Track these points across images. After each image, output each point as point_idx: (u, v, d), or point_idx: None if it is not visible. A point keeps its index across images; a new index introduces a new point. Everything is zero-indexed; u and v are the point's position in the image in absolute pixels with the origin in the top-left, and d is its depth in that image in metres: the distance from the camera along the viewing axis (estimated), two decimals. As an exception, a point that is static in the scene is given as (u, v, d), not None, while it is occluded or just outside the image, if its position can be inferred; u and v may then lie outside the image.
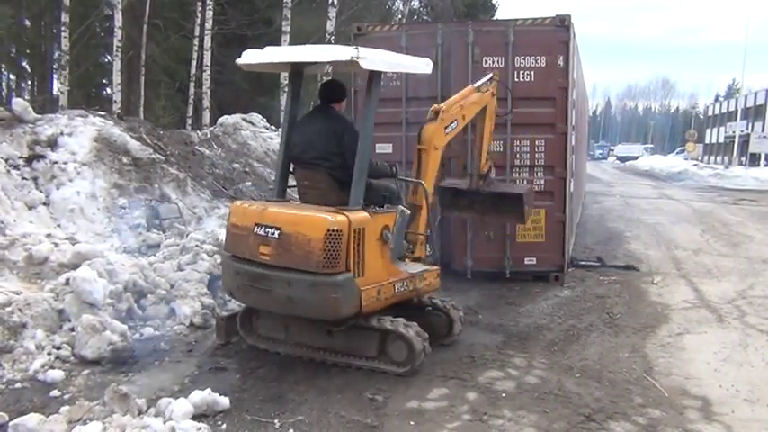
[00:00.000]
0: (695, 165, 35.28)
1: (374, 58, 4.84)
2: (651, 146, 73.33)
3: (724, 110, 60.06)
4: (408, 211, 5.28)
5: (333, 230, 4.57)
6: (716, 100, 77.87)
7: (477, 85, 6.35)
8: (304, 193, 5.34)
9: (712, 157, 56.17)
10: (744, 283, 8.17)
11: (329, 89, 5.47)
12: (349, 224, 4.63)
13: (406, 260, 5.41)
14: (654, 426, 4.16)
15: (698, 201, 19.60)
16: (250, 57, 5.23)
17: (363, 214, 4.83)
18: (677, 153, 54.42)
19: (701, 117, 79.78)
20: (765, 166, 37.94)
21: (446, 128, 5.75)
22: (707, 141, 62.21)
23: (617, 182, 28.65)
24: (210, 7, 18.24)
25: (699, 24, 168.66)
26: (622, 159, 57.94)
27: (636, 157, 53.77)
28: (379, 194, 5.35)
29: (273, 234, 4.73)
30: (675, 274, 8.76)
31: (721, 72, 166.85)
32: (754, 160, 38.92)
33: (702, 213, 15.92)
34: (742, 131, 46.08)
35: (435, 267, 5.55)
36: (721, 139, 56.35)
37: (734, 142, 46.62)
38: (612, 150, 70.39)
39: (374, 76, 5.04)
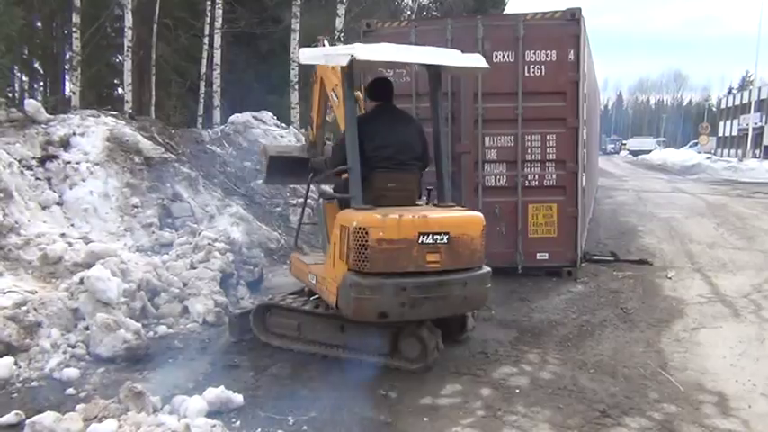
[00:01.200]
0: (709, 158, 34.91)
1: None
2: (664, 139, 72.73)
3: (737, 102, 59.51)
4: None
5: (484, 226, 4.90)
6: (729, 92, 77.13)
7: None
8: (384, 196, 4.97)
9: (726, 150, 55.69)
10: (759, 276, 8.09)
11: (389, 87, 5.47)
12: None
13: None
14: (670, 421, 4.13)
15: (712, 194, 19.43)
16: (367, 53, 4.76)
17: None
18: (690, 146, 53.93)
19: (714, 110, 79.04)
20: (780, 158, 37.64)
21: None
22: (720, 134, 61.68)
23: (629, 176, 28.47)
24: (220, 6, 18.25)
25: (711, 16, 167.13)
26: (635, 153, 57.52)
27: (648, 151, 53.33)
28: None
29: (443, 240, 4.65)
30: (690, 268, 8.69)
31: (734, 64, 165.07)
32: (767, 153, 38.54)
33: (716, 207, 15.78)
34: (756, 124, 45.65)
35: None
36: (735, 132, 55.87)
37: (747, 135, 46.19)
38: (624, 144, 69.93)
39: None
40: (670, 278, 8.07)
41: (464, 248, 4.74)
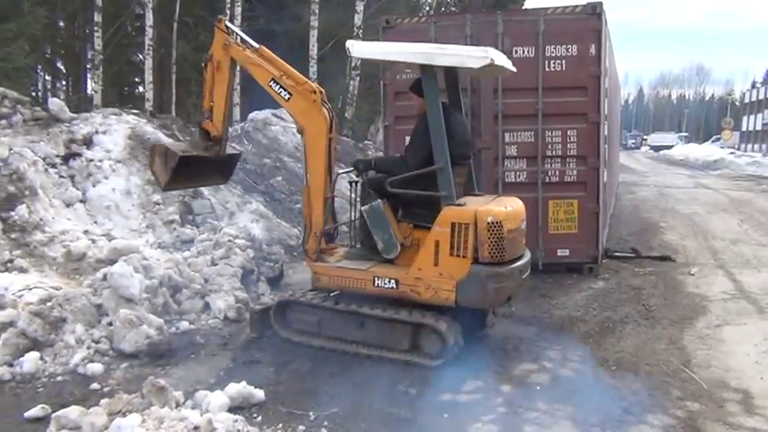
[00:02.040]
0: (732, 153, 34.40)
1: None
2: (686, 134, 71.83)
3: (761, 96, 58.52)
4: None
5: None
6: (753, 86, 75.89)
7: None
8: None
9: (749, 145, 54.84)
10: (785, 273, 7.97)
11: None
12: None
13: None
14: (693, 419, 4.09)
15: (735, 190, 19.15)
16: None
17: None
18: (713, 141, 53.20)
19: (738, 104, 77.88)
20: (806, 153, 37.03)
21: None
22: (744, 129, 60.68)
23: (651, 172, 28.15)
24: (239, 4, 18.36)
25: (737, 8, 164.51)
26: (656, 149, 56.79)
27: (670, 147, 52.69)
28: None
29: (523, 226, 5.27)
30: (713, 264, 8.59)
31: (759, 57, 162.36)
32: (793, 147, 37.94)
33: (740, 202, 15.55)
34: (780, 118, 44.89)
35: None
36: (759, 127, 54.94)
37: (772, 129, 45.45)
38: (645, 140, 69.12)
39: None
40: (693, 275, 7.98)
41: (524, 233, 5.34)
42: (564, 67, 7.57)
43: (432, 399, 4.39)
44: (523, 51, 7.54)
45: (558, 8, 7.68)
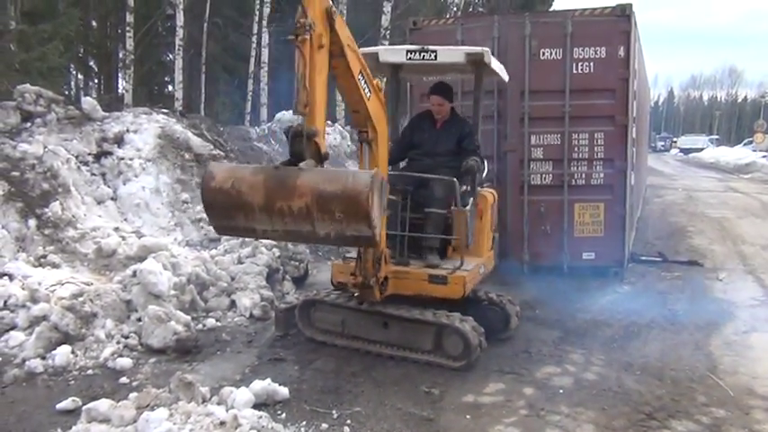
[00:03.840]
0: (764, 156, 33.67)
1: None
2: (717, 137, 70.54)
3: (796, 99, 57.36)
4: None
5: None
6: (787, 88, 74.33)
7: None
8: None
9: (783, 149, 53.73)
10: (816, 280, 7.83)
11: None
12: None
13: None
14: (718, 425, 4.06)
15: (767, 194, 18.81)
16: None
17: None
18: (744, 144, 52.15)
19: (771, 106, 76.36)
20: (840, 156, 36.13)
21: None
22: (777, 132, 59.55)
23: (680, 174, 27.74)
24: (268, 5, 18.54)
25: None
26: (686, 151, 55.89)
27: (700, 149, 51.72)
28: None
29: None
30: (742, 270, 8.47)
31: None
32: (828, 151, 37.03)
33: (772, 207, 15.29)
34: (815, 121, 43.89)
35: (343, 264, 5.34)
36: (793, 130, 53.84)
37: (806, 132, 44.42)
38: (675, 142, 68.09)
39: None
40: (721, 280, 7.88)
41: None
42: (592, 70, 7.52)
43: (454, 400, 4.41)
44: (551, 53, 7.51)
45: (586, 10, 7.63)
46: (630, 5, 7.40)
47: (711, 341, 5.66)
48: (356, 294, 5.16)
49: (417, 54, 5.33)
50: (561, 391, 4.57)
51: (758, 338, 5.72)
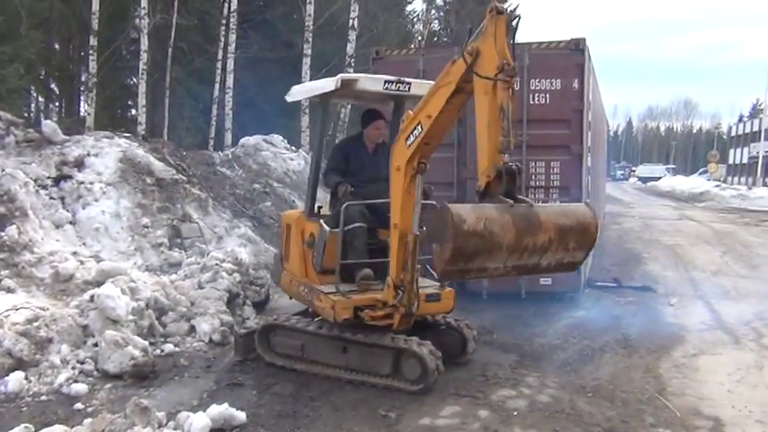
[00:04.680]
0: (717, 186, 34.88)
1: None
2: (673, 166, 72.69)
3: (748, 130, 59.49)
4: (327, 229, 5.30)
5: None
6: (740, 120, 77.11)
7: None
8: None
9: (736, 178, 55.56)
10: (762, 304, 8.11)
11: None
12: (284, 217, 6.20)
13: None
14: (664, 445, 4.19)
15: (719, 222, 19.43)
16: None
17: (295, 213, 6.10)
18: (700, 174, 53.88)
19: (725, 137, 79.01)
20: (790, 187, 37.57)
21: (407, 139, 4.75)
22: (730, 162, 61.61)
23: (637, 203, 28.47)
24: (234, 31, 18.65)
25: (727, 43, 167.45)
26: (644, 180, 57.49)
27: (658, 178, 53.28)
28: (338, 208, 5.43)
29: None
30: (692, 295, 8.74)
31: (746, 92, 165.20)
32: (778, 181, 38.49)
33: (723, 235, 15.80)
34: (766, 152, 45.56)
35: (336, 299, 5.07)
36: (745, 160, 55.77)
37: (758, 163, 46.12)
38: (634, 171, 69.84)
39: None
40: (672, 305, 8.12)
41: None
42: (548, 101, 7.77)
43: (410, 423, 4.46)
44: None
45: (542, 43, 7.90)
46: (584, 40, 7.70)
47: (661, 364, 5.83)
48: (394, 326, 5.06)
49: (393, 84, 5.41)
50: (516, 413, 4.66)
51: (705, 361, 5.92)
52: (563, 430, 4.37)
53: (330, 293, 5.21)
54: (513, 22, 4.32)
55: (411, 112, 4.80)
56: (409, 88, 5.50)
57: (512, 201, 4.15)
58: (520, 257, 4.14)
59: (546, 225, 4.14)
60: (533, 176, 7.86)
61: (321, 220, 5.48)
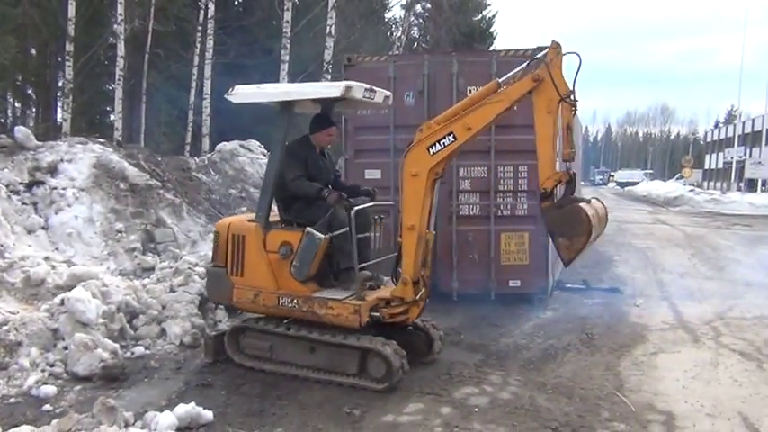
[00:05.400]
0: (691, 190, 35.42)
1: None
2: (651, 171, 73.70)
3: (723, 136, 60.59)
4: (321, 237, 5.22)
5: (215, 231, 5.91)
6: (716, 126, 78.43)
7: (501, 79, 5.37)
8: None
9: (712, 183, 56.47)
10: (724, 304, 8.35)
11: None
12: (227, 228, 5.73)
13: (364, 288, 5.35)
14: (617, 438, 4.35)
15: (692, 226, 19.78)
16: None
17: (243, 223, 5.74)
18: (677, 179, 54.68)
19: (701, 143, 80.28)
20: (763, 191, 38.27)
21: (430, 147, 5.11)
22: (706, 167, 62.59)
23: (613, 207, 28.72)
24: (211, 37, 18.71)
25: (704, 49, 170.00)
26: (622, 185, 58.20)
27: (636, 183, 53.99)
28: (319, 215, 5.43)
29: None
30: (658, 296, 8.96)
31: (721, 99, 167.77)
32: (752, 186, 39.19)
33: (694, 238, 16.11)
34: (740, 157, 46.44)
35: (359, 302, 5.17)
36: (720, 165, 56.72)
37: (732, 168, 46.98)
38: (613, 176, 70.67)
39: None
40: (638, 305, 8.32)
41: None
42: (515, 107, 7.93)
43: (374, 420, 4.59)
44: (477, 90, 7.89)
45: (510, 51, 8.08)
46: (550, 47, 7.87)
47: (621, 362, 6.00)
48: (411, 319, 5.47)
49: (368, 92, 5.52)
50: (477, 409, 4.80)
51: (663, 359, 6.10)
52: (521, 425, 4.52)
53: (345, 299, 5.25)
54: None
55: (432, 122, 5.19)
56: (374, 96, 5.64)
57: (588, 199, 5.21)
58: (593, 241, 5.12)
59: (603, 216, 5.32)
60: (501, 180, 8.02)
61: (308, 228, 5.30)
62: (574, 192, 5.18)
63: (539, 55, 5.39)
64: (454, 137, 5.08)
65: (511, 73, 5.51)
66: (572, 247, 4.89)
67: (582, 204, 4.99)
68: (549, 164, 5.07)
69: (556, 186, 5.08)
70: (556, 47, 5.04)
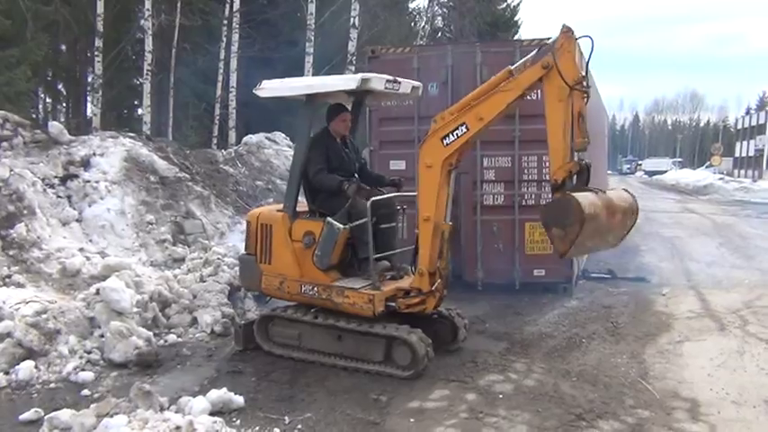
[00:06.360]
0: (721, 179, 34.86)
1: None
2: (680, 160, 72.56)
3: (754, 122, 59.31)
4: (341, 227, 5.33)
5: (246, 221, 6.07)
6: (747, 113, 76.85)
7: (513, 66, 5.23)
8: None
9: (743, 171, 55.45)
10: (752, 293, 8.29)
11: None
12: (257, 218, 5.88)
13: (383, 278, 5.56)
14: (641, 425, 4.40)
15: (721, 214, 19.51)
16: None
17: (272, 213, 5.89)
18: (706, 167, 53.77)
19: (732, 130, 78.76)
20: (796, 179, 37.58)
21: (444, 138, 5.15)
22: (737, 155, 61.43)
23: (641, 196, 28.06)
24: (236, 31, 18.87)
25: (730, 35, 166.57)
26: (650, 174, 57.35)
27: (664, 172, 53.14)
28: (341, 205, 5.53)
29: None
30: (685, 285, 8.92)
31: (752, 84, 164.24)
32: (784, 173, 38.48)
33: (723, 227, 15.92)
34: (771, 144, 45.57)
35: (374, 292, 5.27)
36: (751, 153, 55.65)
37: (763, 155, 46.08)
38: (641, 165, 69.71)
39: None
40: (664, 295, 8.30)
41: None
42: (539, 96, 7.91)
43: (400, 405, 4.70)
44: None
45: (534, 40, 8.07)
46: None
47: (646, 350, 6.03)
48: (428, 309, 5.51)
49: (391, 84, 5.57)
50: (501, 396, 4.88)
51: (689, 347, 6.11)
52: (545, 411, 4.59)
53: (362, 288, 5.37)
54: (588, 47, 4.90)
55: (446, 113, 5.19)
56: (399, 87, 5.71)
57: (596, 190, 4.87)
58: (606, 234, 4.93)
59: (618, 207, 4.91)
60: (526, 170, 8.05)
61: (328, 218, 5.44)
62: (587, 183, 4.92)
63: (551, 40, 5.22)
64: (467, 127, 5.08)
65: (522, 60, 5.38)
66: (566, 238, 4.65)
67: (576, 194, 4.65)
68: (560, 154, 4.84)
69: (568, 177, 4.84)
70: (567, 31, 4.82)
